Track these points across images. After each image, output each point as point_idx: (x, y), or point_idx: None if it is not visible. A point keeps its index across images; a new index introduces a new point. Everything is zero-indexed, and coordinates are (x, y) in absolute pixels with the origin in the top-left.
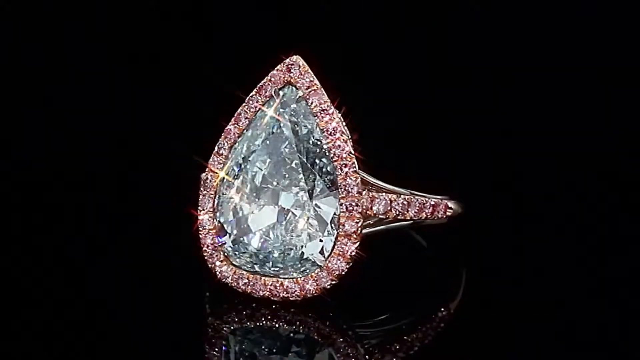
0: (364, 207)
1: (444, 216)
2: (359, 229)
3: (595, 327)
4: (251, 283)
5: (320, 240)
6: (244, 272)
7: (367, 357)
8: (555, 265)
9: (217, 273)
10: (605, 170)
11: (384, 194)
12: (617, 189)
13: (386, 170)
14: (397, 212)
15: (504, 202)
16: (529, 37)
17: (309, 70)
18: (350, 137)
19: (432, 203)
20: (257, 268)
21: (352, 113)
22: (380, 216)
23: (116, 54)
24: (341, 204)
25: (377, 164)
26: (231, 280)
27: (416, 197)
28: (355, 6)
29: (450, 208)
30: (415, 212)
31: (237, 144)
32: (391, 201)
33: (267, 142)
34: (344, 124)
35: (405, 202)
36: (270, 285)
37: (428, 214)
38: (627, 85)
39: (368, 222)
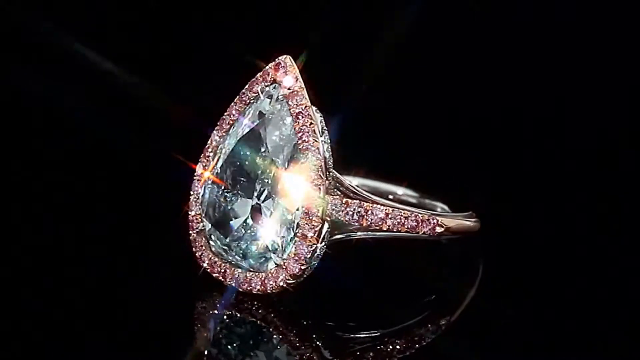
0: (329, 212)
1: (434, 234)
2: (317, 232)
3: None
4: (222, 271)
5: (283, 238)
6: (218, 260)
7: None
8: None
9: (198, 257)
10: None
11: (358, 201)
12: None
13: (391, 175)
14: (371, 222)
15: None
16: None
17: (296, 71)
18: (329, 141)
19: (417, 218)
20: (229, 258)
21: (350, 115)
22: (355, 224)
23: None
24: (302, 207)
25: (378, 167)
26: (207, 265)
27: (399, 210)
28: (355, 7)
29: (442, 225)
30: (393, 225)
31: (227, 134)
32: (366, 210)
33: (248, 138)
34: (324, 127)
35: (382, 214)
36: (237, 276)
37: (410, 229)
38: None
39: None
